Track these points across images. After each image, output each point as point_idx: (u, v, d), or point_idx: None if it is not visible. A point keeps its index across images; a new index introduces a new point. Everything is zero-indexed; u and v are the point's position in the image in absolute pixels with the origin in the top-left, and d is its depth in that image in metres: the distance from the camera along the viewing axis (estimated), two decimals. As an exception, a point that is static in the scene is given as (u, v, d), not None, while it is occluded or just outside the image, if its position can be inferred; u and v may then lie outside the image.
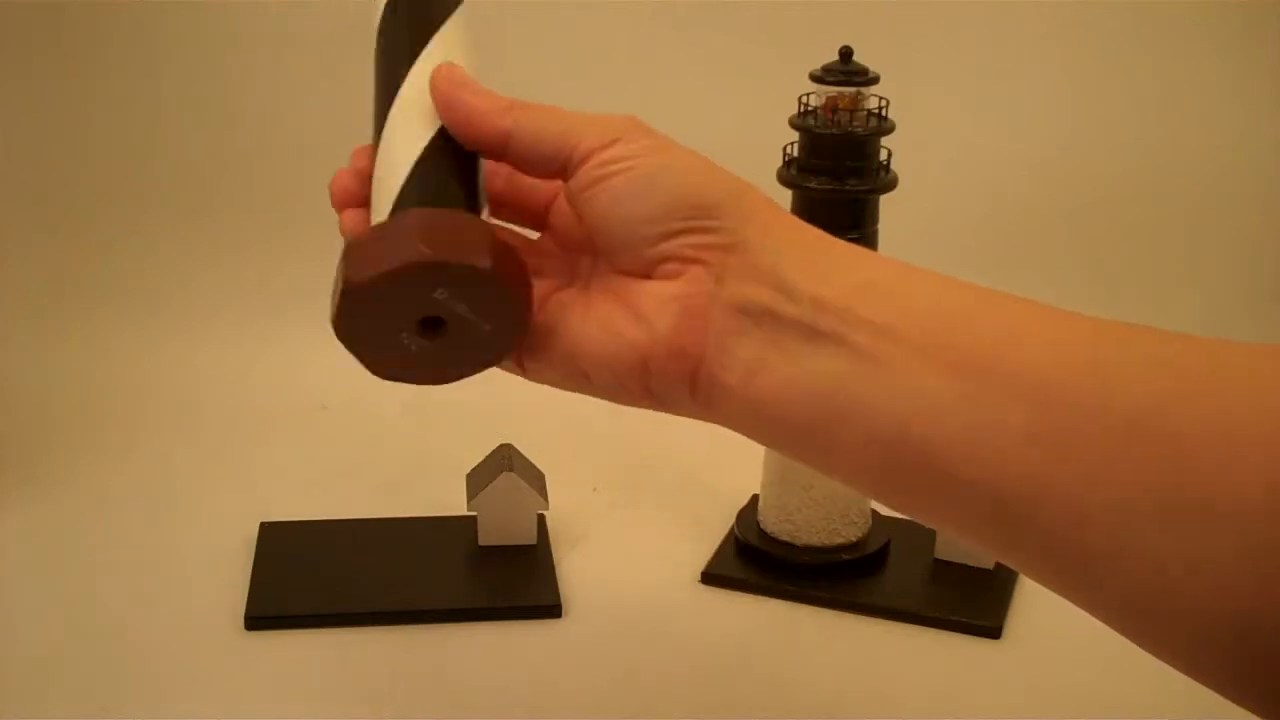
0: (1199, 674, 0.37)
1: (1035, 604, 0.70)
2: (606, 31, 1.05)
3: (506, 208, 0.50)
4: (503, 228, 0.50)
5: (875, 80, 0.68)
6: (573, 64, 1.04)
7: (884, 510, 0.75)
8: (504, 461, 0.73)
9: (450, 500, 0.76)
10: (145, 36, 1.03)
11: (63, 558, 0.75)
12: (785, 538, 0.73)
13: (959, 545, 0.72)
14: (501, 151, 0.45)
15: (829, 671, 0.66)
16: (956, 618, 0.69)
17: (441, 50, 0.47)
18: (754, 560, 0.74)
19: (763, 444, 0.45)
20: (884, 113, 0.68)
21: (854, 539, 0.73)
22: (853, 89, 0.68)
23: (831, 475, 0.43)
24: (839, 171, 0.67)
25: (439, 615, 0.69)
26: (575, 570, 0.73)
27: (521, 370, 0.47)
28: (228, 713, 0.62)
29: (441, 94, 0.46)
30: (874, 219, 0.69)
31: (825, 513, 0.72)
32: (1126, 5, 1.03)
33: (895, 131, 0.68)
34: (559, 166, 0.45)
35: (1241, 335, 0.38)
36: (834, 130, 0.67)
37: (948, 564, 0.73)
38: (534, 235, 0.50)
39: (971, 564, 0.73)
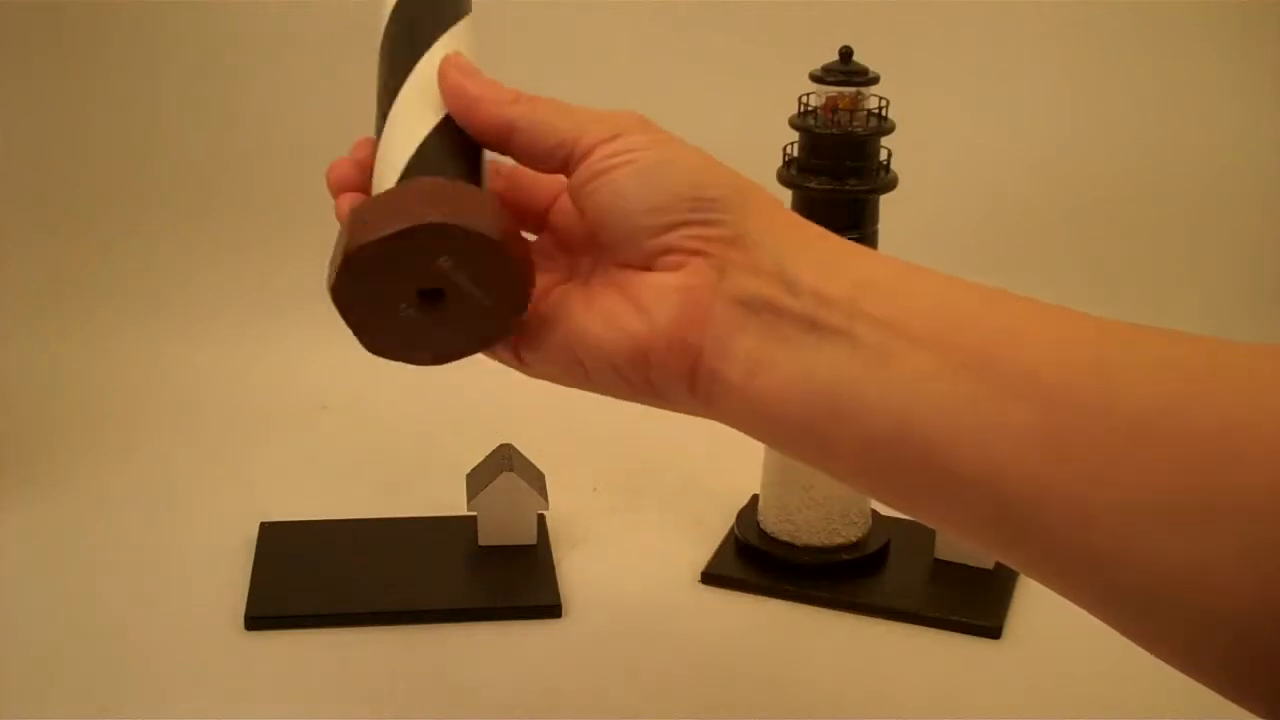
0: (1199, 674, 0.37)
1: (1035, 604, 0.70)
2: (606, 31, 1.05)
3: (506, 208, 0.50)
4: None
5: (875, 80, 0.68)
6: (573, 64, 1.04)
7: (884, 510, 0.75)
8: (504, 461, 0.73)
9: (450, 500, 0.76)
10: (145, 36, 1.03)
11: (63, 558, 0.75)
12: (785, 538, 0.73)
13: (959, 545, 0.72)
14: (505, 143, 0.45)
15: (829, 671, 0.66)
16: (956, 618, 0.69)
17: (450, 46, 0.48)
18: (754, 560, 0.74)
19: (762, 441, 0.45)
20: (884, 113, 0.68)
21: (854, 539, 0.73)
22: (853, 89, 0.68)
23: (831, 473, 0.43)
24: (839, 171, 0.67)
25: (439, 615, 0.69)
26: (575, 570, 0.73)
27: (519, 363, 0.46)
28: (228, 713, 0.62)
29: (449, 81, 0.46)
30: (874, 219, 0.69)
31: (825, 513, 0.72)
32: (1126, 5, 1.03)
33: (895, 131, 0.68)
34: (561, 160, 0.45)
35: (1241, 335, 0.38)
36: (834, 130, 0.67)
37: (948, 564, 0.73)
38: (532, 238, 0.50)
39: (971, 564, 0.73)
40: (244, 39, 1.03)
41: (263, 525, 0.76)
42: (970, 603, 0.70)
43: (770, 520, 0.74)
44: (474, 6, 0.51)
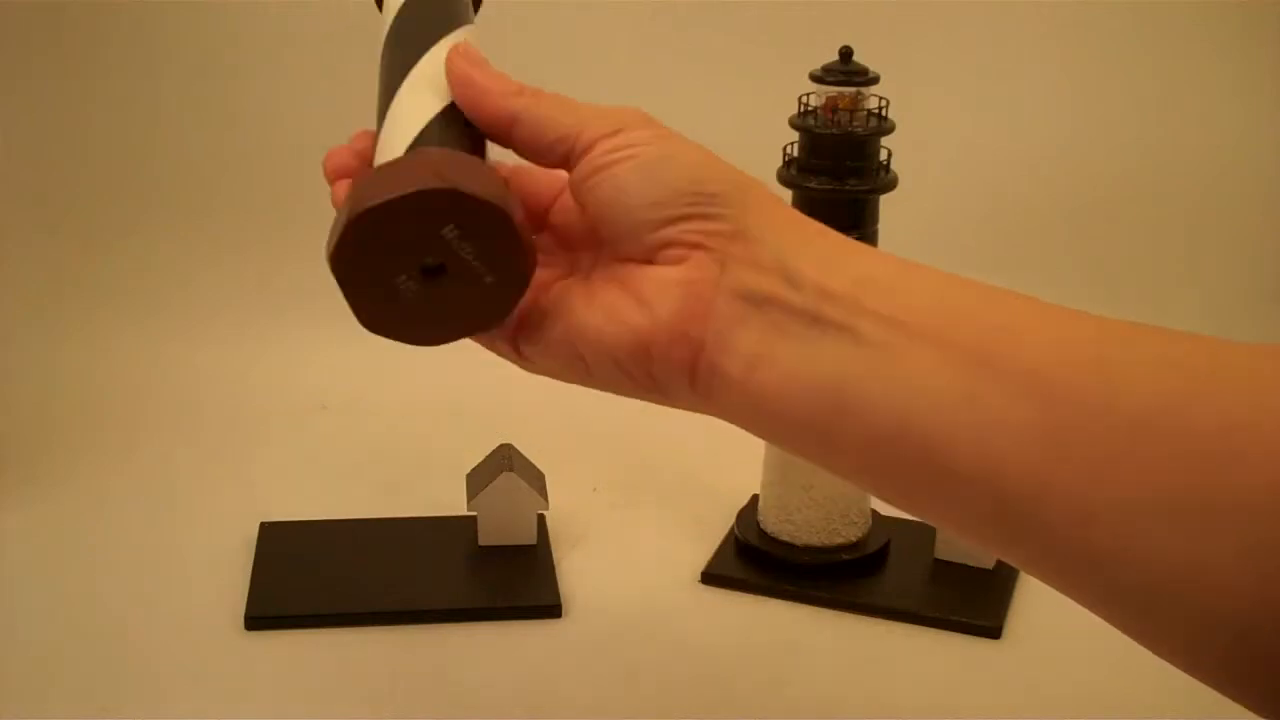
0: (1199, 673, 0.37)
1: (1035, 604, 0.70)
2: (606, 31, 1.05)
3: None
4: None
5: (875, 80, 0.68)
6: (573, 64, 1.04)
7: (884, 510, 0.75)
8: (504, 461, 0.73)
9: (450, 500, 0.76)
10: (145, 36, 1.03)
11: (63, 558, 0.75)
12: (785, 538, 0.73)
13: (959, 545, 0.72)
14: (507, 135, 0.45)
15: (829, 672, 0.66)
16: (956, 618, 0.69)
17: (456, 40, 0.48)
18: (754, 560, 0.74)
19: (762, 437, 0.45)
20: (884, 113, 0.68)
21: (854, 539, 0.73)
22: (853, 89, 0.68)
23: (831, 469, 0.43)
24: (839, 171, 0.67)
25: (439, 615, 0.69)
26: (575, 570, 0.73)
27: (520, 358, 0.46)
28: (228, 713, 0.62)
29: (457, 69, 0.46)
30: (874, 219, 0.69)
31: (825, 513, 0.72)
32: (1126, 5, 1.04)
33: (895, 131, 0.68)
34: (563, 154, 0.45)
35: (1241, 335, 0.38)
36: (834, 130, 0.67)
37: (948, 564, 0.73)
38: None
39: (971, 564, 0.73)
40: (244, 39, 1.03)
41: (263, 525, 0.76)
42: (970, 603, 0.70)
43: (770, 520, 0.74)
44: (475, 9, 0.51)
